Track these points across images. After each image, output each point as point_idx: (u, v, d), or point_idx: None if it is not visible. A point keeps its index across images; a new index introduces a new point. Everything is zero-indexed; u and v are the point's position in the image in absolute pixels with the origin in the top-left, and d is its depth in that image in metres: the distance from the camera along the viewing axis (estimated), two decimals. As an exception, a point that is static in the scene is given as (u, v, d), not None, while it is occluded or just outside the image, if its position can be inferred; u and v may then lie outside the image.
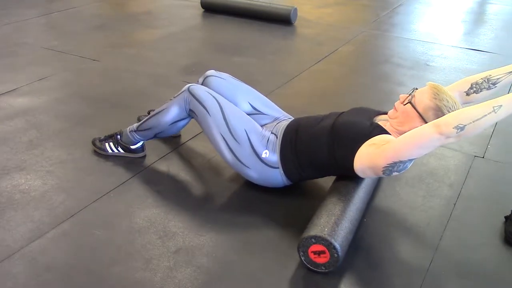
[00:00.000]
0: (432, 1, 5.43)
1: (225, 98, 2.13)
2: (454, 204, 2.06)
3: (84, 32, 4.05)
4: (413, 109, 1.78)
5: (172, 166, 2.27)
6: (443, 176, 2.25)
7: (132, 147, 2.27)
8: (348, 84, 3.29)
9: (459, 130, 1.47)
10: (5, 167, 2.21)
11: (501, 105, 1.45)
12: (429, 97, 1.74)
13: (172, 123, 2.11)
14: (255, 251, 1.78)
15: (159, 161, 2.30)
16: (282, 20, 4.41)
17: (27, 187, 2.08)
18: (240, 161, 2.00)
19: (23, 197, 2.02)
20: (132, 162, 2.28)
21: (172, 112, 2.09)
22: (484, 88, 1.94)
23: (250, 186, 2.11)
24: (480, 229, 1.92)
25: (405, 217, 1.98)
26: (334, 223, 1.66)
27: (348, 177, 1.90)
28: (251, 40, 3.99)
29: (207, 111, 2.02)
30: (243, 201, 2.04)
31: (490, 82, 1.93)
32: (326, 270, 1.66)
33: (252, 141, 1.98)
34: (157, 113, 2.13)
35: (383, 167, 1.68)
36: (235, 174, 2.19)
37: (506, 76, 1.91)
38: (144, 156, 2.32)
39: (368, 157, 1.72)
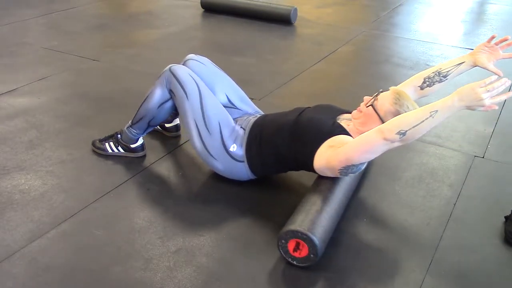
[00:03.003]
0: (432, 1, 5.43)
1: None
2: (454, 204, 2.06)
3: (84, 32, 4.05)
4: (374, 112, 1.83)
5: (172, 166, 2.27)
6: (443, 176, 2.25)
7: (132, 146, 2.27)
8: (348, 84, 3.29)
9: (401, 135, 1.56)
10: (5, 167, 2.21)
11: (437, 110, 1.54)
12: (390, 102, 1.79)
13: (159, 106, 2.12)
14: (255, 250, 1.78)
15: (159, 161, 2.30)
16: (282, 20, 4.41)
17: (27, 187, 2.08)
18: (208, 151, 2.02)
19: (23, 197, 2.02)
20: (132, 162, 2.28)
21: (156, 95, 2.10)
22: (436, 81, 2.03)
23: (250, 186, 2.11)
24: (480, 229, 1.92)
25: (405, 217, 1.98)
26: (297, 214, 1.70)
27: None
28: (251, 40, 3.99)
29: (186, 95, 2.03)
30: (243, 201, 2.04)
31: (441, 75, 2.01)
32: (317, 257, 1.65)
33: (223, 134, 2.01)
34: (144, 101, 2.15)
35: (338, 170, 1.76)
36: (235, 174, 2.19)
37: (455, 68, 2.01)
38: (144, 156, 2.32)
39: (326, 159, 1.78)
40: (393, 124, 1.58)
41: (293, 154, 1.90)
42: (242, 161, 2.01)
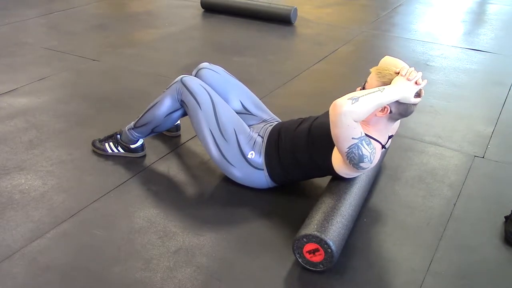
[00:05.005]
0: (432, 1, 5.43)
1: (217, 92, 2.14)
2: (454, 204, 2.06)
3: (84, 32, 4.05)
4: None
5: (172, 166, 2.27)
6: (443, 176, 2.25)
7: (132, 146, 2.27)
8: (348, 84, 3.28)
9: (353, 100, 1.66)
10: (5, 167, 2.21)
11: (384, 88, 1.71)
12: (375, 78, 1.80)
13: (167, 115, 2.12)
14: (255, 250, 1.78)
15: (159, 161, 2.30)
16: (282, 20, 4.41)
17: (27, 187, 2.08)
18: (226, 158, 2.02)
19: (23, 197, 2.02)
20: (132, 162, 2.28)
21: (166, 104, 2.10)
22: None
23: (249, 186, 2.11)
24: (480, 229, 1.92)
25: (405, 217, 1.98)
26: (324, 220, 1.68)
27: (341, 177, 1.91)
28: (251, 40, 3.99)
29: (198, 104, 2.03)
30: (243, 201, 2.04)
31: None
32: (325, 268, 1.66)
33: (240, 141, 2.01)
34: (151, 107, 2.14)
35: (347, 160, 1.75)
36: (235, 174, 2.18)
37: None
38: (144, 156, 2.32)
39: (339, 155, 1.79)
40: (347, 95, 1.70)
41: (312, 160, 1.91)
42: (262, 169, 2.01)
